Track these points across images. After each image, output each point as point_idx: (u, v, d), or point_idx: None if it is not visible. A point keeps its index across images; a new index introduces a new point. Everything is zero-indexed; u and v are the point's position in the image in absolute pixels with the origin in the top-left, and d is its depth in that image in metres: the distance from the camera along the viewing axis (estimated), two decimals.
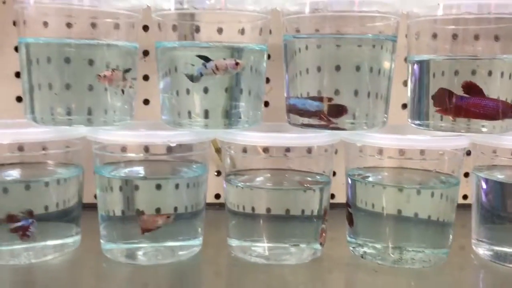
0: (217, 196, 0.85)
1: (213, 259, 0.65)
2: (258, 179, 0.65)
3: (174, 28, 0.61)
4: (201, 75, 0.58)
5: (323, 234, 0.64)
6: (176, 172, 0.64)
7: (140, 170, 0.63)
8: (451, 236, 0.64)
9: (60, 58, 0.58)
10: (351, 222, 0.66)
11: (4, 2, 0.80)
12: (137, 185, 0.61)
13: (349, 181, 0.66)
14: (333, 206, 0.68)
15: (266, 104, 0.79)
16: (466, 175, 0.75)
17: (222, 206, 0.78)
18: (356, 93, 0.60)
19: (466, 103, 0.60)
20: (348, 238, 0.67)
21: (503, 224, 0.65)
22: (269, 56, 0.69)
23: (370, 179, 0.65)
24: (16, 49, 0.80)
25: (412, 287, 0.59)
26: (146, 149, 0.62)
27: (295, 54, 0.62)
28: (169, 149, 0.62)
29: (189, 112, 0.60)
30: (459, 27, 0.60)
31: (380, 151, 0.63)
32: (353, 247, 0.66)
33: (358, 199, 0.64)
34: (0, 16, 0.79)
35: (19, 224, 0.59)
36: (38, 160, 0.63)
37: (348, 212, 0.66)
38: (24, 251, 0.61)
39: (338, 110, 0.61)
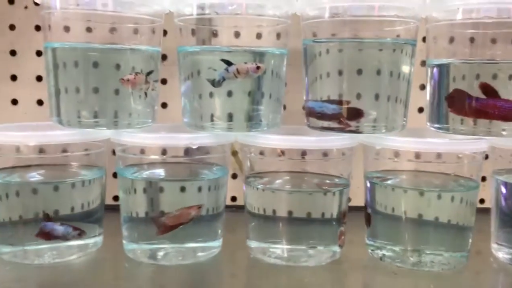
0: (233, 198, 0.86)
1: (232, 260, 0.66)
2: (277, 181, 0.65)
3: (196, 33, 0.62)
4: (224, 79, 0.59)
5: (342, 237, 0.65)
6: (198, 174, 0.65)
7: (162, 172, 0.64)
8: (470, 240, 0.64)
9: (86, 63, 0.60)
10: (368, 222, 0.66)
11: (26, 7, 0.81)
12: (161, 186, 0.62)
13: (368, 184, 0.66)
14: (350, 209, 0.68)
15: (283, 107, 0.80)
16: (483, 179, 0.75)
17: (238, 208, 0.79)
18: (375, 96, 0.61)
19: (481, 104, 0.60)
20: (367, 241, 0.67)
21: None
22: None
23: (389, 182, 0.65)
24: (37, 53, 0.82)
25: None
26: (168, 151, 0.63)
27: (314, 58, 0.63)
28: (191, 152, 0.62)
29: (212, 115, 0.61)
30: (478, 31, 0.60)
31: (399, 154, 0.63)
32: (371, 250, 0.67)
33: (376, 202, 0.65)
34: (22, 22, 0.81)
35: (45, 225, 0.61)
36: (63, 162, 0.64)
37: (366, 212, 0.66)
38: (48, 251, 0.62)
39: (355, 113, 0.61)
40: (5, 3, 0.81)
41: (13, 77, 0.82)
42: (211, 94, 0.61)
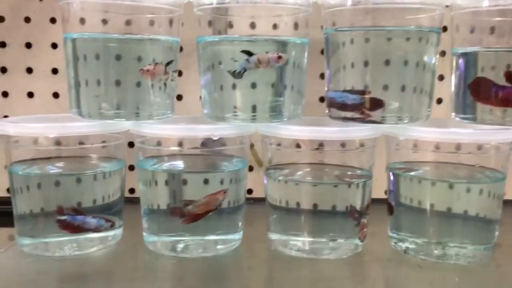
0: (249, 191, 0.85)
1: (253, 252, 0.65)
2: (299, 173, 0.64)
3: (215, 23, 0.61)
4: (245, 70, 0.58)
5: (363, 229, 0.64)
6: (219, 166, 0.64)
7: (184, 163, 0.64)
8: (496, 233, 0.63)
9: (105, 53, 0.59)
10: (390, 211, 0.65)
11: (41, 0, 0.80)
12: (184, 178, 0.62)
13: (391, 176, 0.65)
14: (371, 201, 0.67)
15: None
16: None
17: (255, 201, 0.78)
18: (399, 86, 0.60)
19: (506, 93, 0.58)
20: (390, 233, 0.66)
21: None
22: None
23: (413, 173, 0.64)
24: (53, 46, 0.81)
25: (458, 283, 0.58)
26: (189, 143, 0.62)
27: (336, 47, 0.62)
28: (211, 143, 0.62)
29: (234, 106, 0.60)
30: (505, 18, 0.59)
31: (423, 145, 0.62)
32: (394, 242, 0.65)
33: (400, 194, 0.64)
34: (37, 14, 0.81)
35: (74, 218, 0.61)
36: (82, 154, 0.64)
37: (389, 204, 0.65)
38: (69, 243, 0.62)
39: (376, 104, 0.60)
40: None
41: (29, 70, 0.82)
42: (233, 86, 0.60)
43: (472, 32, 0.62)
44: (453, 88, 0.64)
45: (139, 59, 0.59)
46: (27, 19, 0.81)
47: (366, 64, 0.60)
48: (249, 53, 0.58)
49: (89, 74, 0.60)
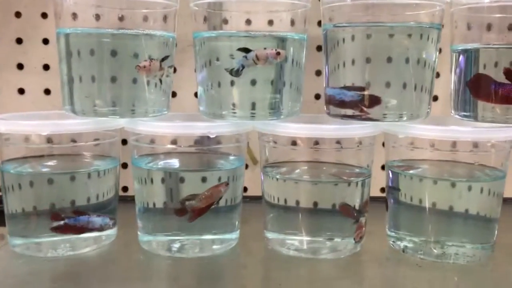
0: (244, 189, 0.83)
1: (250, 252, 0.64)
2: (296, 171, 0.64)
3: (211, 18, 0.60)
4: (243, 67, 0.57)
5: (360, 230, 0.62)
6: (215, 164, 0.63)
7: (180, 162, 0.62)
8: (496, 231, 0.62)
9: (99, 49, 0.58)
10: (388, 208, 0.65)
11: None
12: (180, 177, 0.60)
13: (389, 174, 0.64)
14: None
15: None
16: None
17: (251, 199, 0.77)
18: (399, 83, 0.59)
19: (506, 90, 0.58)
20: (388, 232, 0.66)
21: None
22: None
23: (411, 171, 0.63)
24: (44, 41, 0.80)
25: (457, 283, 0.57)
26: (185, 140, 0.61)
27: (335, 43, 0.61)
28: (207, 141, 0.60)
29: (233, 104, 0.59)
30: (507, 14, 0.58)
31: (423, 143, 0.61)
32: (393, 241, 0.65)
33: (398, 192, 0.63)
34: (28, 9, 0.79)
35: (62, 222, 0.60)
36: (75, 152, 0.63)
37: (386, 200, 0.65)
38: (62, 243, 0.61)
39: (373, 101, 0.59)
40: None
41: (20, 66, 0.81)
42: (231, 82, 0.59)
43: (472, 29, 0.61)
44: (452, 86, 0.63)
45: (134, 55, 0.58)
46: (18, 14, 0.79)
47: (365, 60, 0.59)
48: (247, 50, 0.57)
49: (83, 70, 0.58)
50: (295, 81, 0.61)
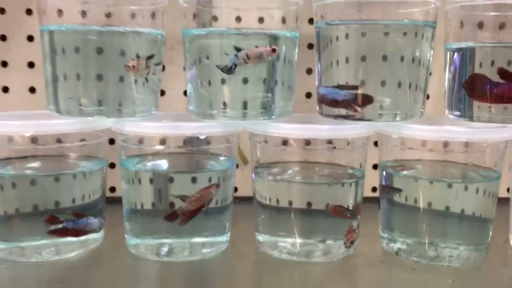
0: (234, 189, 0.82)
1: (241, 255, 0.63)
2: (289, 172, 0.62)
3: (202, 15, 0.58)
4: (235, 65, 0.55)
5: (350, 234, 0.61)
6: (205, 165, 0.62)
7: (168, 163, 0.61)
8: (490, 233, 0.61)
9: (85, 47, 0.56)
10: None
11: None
12: (169, 178, 0.59)
13: (383, 174, 0.63)
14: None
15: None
16: None
17: (241, 200, 0.76)
18: (394, 83, 0.58)
19: (501, 89, 0.57)
20: (381, 233, 0.65)
21: None
22: None
23: (405, 172, 0.62)
24: (29, 38, 0.78)
25: (452, 286, 0.56)
26: (174, 141, 0.59)
27: (328, 42, 0.60)
28: (197, 142, 0.59)
29: (224, 103, 0.57)
30: (501, 13, 0.57)
31: (417, 143, 0.60)
32: (386, 243, 0.64)
33: (398, 192, 0.62)
34: (12, 5, 0.77)
35: (61, 225, 0.58)
36: (60, 153, 0.61)
37: (379, 200, 0.64)
38: (47, 247, 0.59)
39: (365, 100, 0.58)
40: None
41: (4, 64, 0.79)
42: (222, 81, 0.57)
43: (466, 27, 0.60)
44: (446, 85, 0.62)
45: (121, 53, 0.56)
46: (2, 10, 0.77)
47: (358, 59, 0.58)
48: (238, 49, 0.55)
49: (67, 69, 0.56)
50: (287, 81, 0.60)
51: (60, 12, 0.56)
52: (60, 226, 0.58)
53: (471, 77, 0.59)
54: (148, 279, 0.57)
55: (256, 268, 0.62)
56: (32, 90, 0.79)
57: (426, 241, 0.60)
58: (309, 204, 0.60)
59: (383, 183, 0.63)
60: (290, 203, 0.60)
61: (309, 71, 0.79)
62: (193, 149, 0.60)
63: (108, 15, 0.56)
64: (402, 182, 0.61)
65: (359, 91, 0.58)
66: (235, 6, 0.58)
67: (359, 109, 0.59)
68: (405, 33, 0.57)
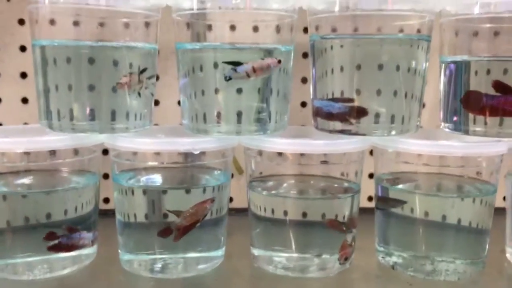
0: (230, 199, 0.81)
1: (237, 271, 0.62)
2: (284, 185, 0.62)
3: (195, 28, 0.58)
4: (229, 78, 0.55)
5: (344, 250, 0.60)
6: (199, 181, 0.61)
7: (162, 178, 0.60)
8: (487, 246, 0.61)
9: (77, 62, 0.55)
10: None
11: (8, 0, 0.77)
12: (162, 194, 0.58)
13: (379, 187, 0.63)
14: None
15: None
16: None
17: (237, 211, 0.75)
18: (389, 97, 0.58)
19: (496, 102, 0.57)
20: (377, 247, 0.64)
21: None
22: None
23: (401, 186, 0.62)
24: (21, 48, 0.77)
25: None
26: (168, 156, 0.59)
27: (322, 54, 0.59)
28: (194, 157, 0.58)
29: (218, 118, 0.57)
30: (497, 25, 0.57)
31: (413, 157, 0.60)
32: (382, 257, 0.63)
33: (388, 205, 0.61)
34: (4, 15, 0.77)
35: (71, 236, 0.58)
36: (53, 168, 0.60)
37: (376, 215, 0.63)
38: (39, 264, 0.58)
39: (360, 112, 0.58)
40: None
41: None
42: (216, 97, 0.56)
43: (461, 40, 0.60)
44: (441, 98, 0.62)
45: (114, 68, 0.55)
46: None
47: (353, 72, 0.57)
48: (236, 63, 0.55)
49: (60, 84, 0.55)
50: (283, 94, 0.59)
51: (51, 26, 0.56)
52: (56, 241, 0.57)
53: (467, 94, 0.58)
54: None
55: (251, 284, 0.61)
56: (25, 100, 0.79)
57: (423, 255, 0.60)
58: (304, 218, 0.60)
59: (379, 195, 0.63)
60: (285, 217, 0.60)
61: (304, 80, 0.79)
62: (187, 164, 0.60)
63: (100, 29, 0.56)
64: (397, 195, 0.61)
65: (354, 104, 0.58)
66: (230, 19, 0.57)
67: (354, 121, 0.58)
68: (399, 47, 0.57)
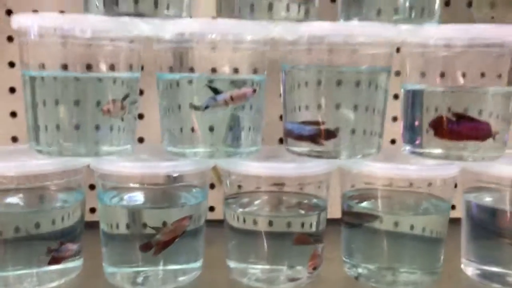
0: (211, 208, 0.86)
1: (213, 283, 0.67)
2: (256, 202, 0.67)
3: (174, 59, 0.62)
4: (207, 107, 0.60)
5: (313, 260, 0.65)
6: (178, 198, 0.66)
7: (142, 197, 0.65)
8: (442, 257, 0.67)
9: (65, 92, 0.59)
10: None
11: None
12: (142, 212, 0.64)
13: (344, 203, 0.68)
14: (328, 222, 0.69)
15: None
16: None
17: (219, 222, 0.79)
18: (352, 122, 0.62)
19: (462, 127, 0.63)
20: (344, 259, 0.69)
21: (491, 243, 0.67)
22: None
23: (364, 203, 0.67)
24: (10, 64, 0.80)
25: None
26: (148, 178, 0.63)
27: (293, 83, 0.64)
28: (171, 178, 0.63)
29: (193, 143, 0.62)
30: (452, 57, 0.62)
31: (373, 177, 0.65)
32: (348, 268, 0.69)
33: (351, 220, 0.67)
34: None
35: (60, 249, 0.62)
36: (41, 186, 0.64)
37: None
38: (29, 277, 0.62)
39: (329, 134, 0.63)
40: None
41: None
42: (192, 123, 0.61)
43: (420, 71, 0.65)
44: (403, 122, 0.67)
45: (98, 98, 0.60)
46: None
47: (320, 100, 0.62)
48: (216, 91, 0.59)
49: (48, 114, 0.60)
50: (256, 120, 0.64)
51: (40, 61, 0.60)
52: (47, 255, 0.62)
53: (436, 119, 0.63)
54: None
55: None
56: (13, 114, 0.82)
57: (384, 266, 0.65)
58: (276, 232, 0.64)
59: (345, 210, 0.68)
60: (258, 232, 0.64)
61: None
62: (167, 185, 0.64)
63: (87, 61, 0.60)
64: (361, 212, 0.66)
65: (322, 127, 0.63)
66: (207, 53, 0.61)
67: (323, 141, 0.64)
68: (363, 78, 0.62)
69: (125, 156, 0.64)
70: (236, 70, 0.62)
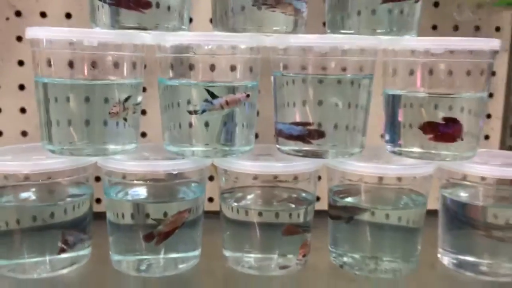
0: (210, 199, 0.91)
1: (211, 271, 0.73)
2: (249, 196, 0.72)
3: (176, 66, 0.68)
4: (203, 111, 0.65)
5: (303, 249, 0.71)
6: (178, 192, 0.71)
7: (146, 192, 0.71)
8: (419, 247, 0.73)
9: (75, 97, 0.65)
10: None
11: (7, 19, 0.84)
12: (145, 204, 0.70)
13: (330, 197, 0.74)
14: (317, 213, 0.74)
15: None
16: None
17: (216, 213, 0.85)
18: (336, 125, 0.68)
19: (437, 129, 0.69)
20: (330, 248, 0.76)
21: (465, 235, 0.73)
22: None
23: (348, 198, 0.73)
24: (19, 63, 0.85)
25: None
26: (151, 174, 0.69)
27: (282, 88, 0.70)
28: (172, 175, 0.69)
29: (191, 143, 0.68)
30: (432, 63, 0.67)
31: (357, 175, 0.71)
32: (334, 257, 0.75)
33: (337, 212, 0.73)
34: (3, 33, 0.84)
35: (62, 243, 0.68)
36: (54, 182, 0.70)
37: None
38: (42, 265, 0.68)
39: (318, 134, 0.69)
40: None
41: None
42: (190, 124, 0.67)
43: (400, 76, 0.70)
44: (385, 123, 0.73)
45: (105, 101, 0.66)
46: None
47: (307, 104, 0.68)
48: (213, 96, 0.65)
49: (59, 116, 0.66)
50: (250, 123, 0.70)
51: (51, 65, 0.65)
52: (61, 244, 0.68)
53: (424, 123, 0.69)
54: None
55: (223, 282, 0.72)
56: (23, 110, 0.87)
57: (367, 255, 0.71)
58: (267, 224, 0.70)
59: (331, 204, 0.74)
60: (252, 223, 0.70)
61: None
62: (168, 181, 0.70)
63: (92, 68, 0.65)
64: (345, 206, 0.72)
65: (310, 127, 0.69)
66: (204, 61, 0.67)
67: (312, 141, 0.69)
68: (348, 84, 0.68)
69: (130, 155, 0.70)
70: (231, 77, 0.67)
